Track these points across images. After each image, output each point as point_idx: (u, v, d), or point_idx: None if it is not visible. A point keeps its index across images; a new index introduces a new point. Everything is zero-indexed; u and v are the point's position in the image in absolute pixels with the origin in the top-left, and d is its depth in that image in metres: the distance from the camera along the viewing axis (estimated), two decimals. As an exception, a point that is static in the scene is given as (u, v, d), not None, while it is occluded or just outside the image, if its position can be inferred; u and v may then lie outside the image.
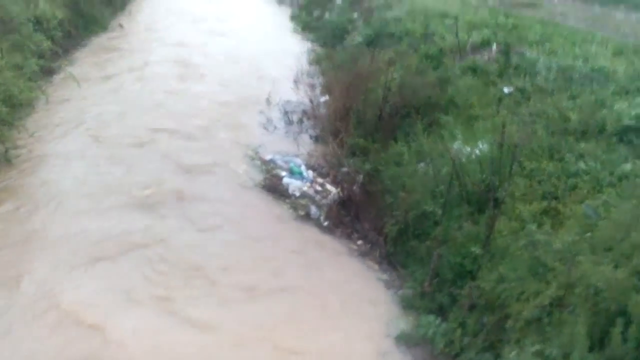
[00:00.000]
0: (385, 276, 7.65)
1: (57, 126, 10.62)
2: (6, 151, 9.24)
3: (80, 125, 10.76)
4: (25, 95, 10.29)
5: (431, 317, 6.52)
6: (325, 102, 12.31)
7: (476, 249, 6.57)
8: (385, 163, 9.01)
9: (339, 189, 9.30)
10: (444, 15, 14.18)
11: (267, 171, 9.91)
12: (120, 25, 18.24)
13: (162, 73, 14.02)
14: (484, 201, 7.20)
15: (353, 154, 10.03)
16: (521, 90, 9.57)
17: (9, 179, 8.73)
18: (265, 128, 11.79)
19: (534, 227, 6.31)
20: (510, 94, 9.59)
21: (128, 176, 9.15)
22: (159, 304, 6.52)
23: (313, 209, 8.94)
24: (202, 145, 10.61)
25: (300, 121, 12.05)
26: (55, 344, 5.87)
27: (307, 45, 17.68)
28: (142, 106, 11.99)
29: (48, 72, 12.75)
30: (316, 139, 11.37)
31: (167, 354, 5.92)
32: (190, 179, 9.32)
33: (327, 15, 19.82)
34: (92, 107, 11.63)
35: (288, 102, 12.88)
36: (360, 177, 9.20)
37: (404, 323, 6.73)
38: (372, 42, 14.12)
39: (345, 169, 9.58)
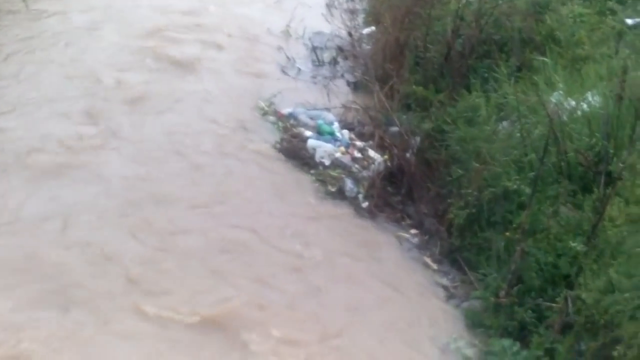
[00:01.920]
0: (445, 280, 7.63)
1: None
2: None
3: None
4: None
5: (507, 342, 6.44)
6: (370, 34, 12.24)
7: (577, 244, 6.46)
8: (453, 121, 8.92)
9: (385, 157, 9.27)
10: None
11: (285, 130, 9.93)
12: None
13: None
14: (591, 176, 7.09)
15: (408, 108, 10.01)
16: (652, 23, 9.43)
17: None
18: (283, 71, 11.78)
19: (662, 214, 6.24)
20: (635, 27, 9.43)
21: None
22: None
23: (349, 184, 8.93)
24: (195, 87, 10.73)
25: (334, 61, 12.02)
26: None
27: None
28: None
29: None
30: (355, 87, 11.34)
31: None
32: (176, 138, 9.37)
33: None
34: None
35: (317, 34, 12.85)
36: (417, 141, 9.17)
37: (467, 348, 6.69)
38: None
39: (395, 129, 9.54)
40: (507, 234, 7.20)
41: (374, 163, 9.28)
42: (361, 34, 12.27)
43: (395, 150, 9.19)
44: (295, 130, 9.95)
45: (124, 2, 13.26)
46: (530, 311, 6.60)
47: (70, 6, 12.77)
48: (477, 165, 7.90)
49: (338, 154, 9.41)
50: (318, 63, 12.02)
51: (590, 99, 7.98)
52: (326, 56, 12.09)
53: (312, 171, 9.18)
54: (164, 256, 7.16)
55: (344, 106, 10.55)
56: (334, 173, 9.10)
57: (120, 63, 11.04)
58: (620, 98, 7.11)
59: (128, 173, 8.42)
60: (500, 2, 10.30)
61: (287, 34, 12.88)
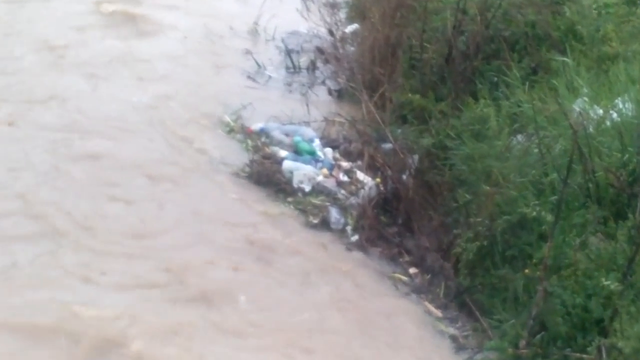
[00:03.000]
0: (453, 329, 7.57)
1: None
2: None
3: None
4: None
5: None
6: (355, 33, 12.23)
7: (611, 282, 6.44)
8: (458, 135, 8.89)
9: (377, 180, 9.27)
10: None
11: (256, 149, 9.91)
12: None
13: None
14: (625, 199, 7.09)
15: (403, 120, 10.03)
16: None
17: None
18: (251, 78, 11.81)
19: None
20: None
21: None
22: None
23: (334, 214, 8.89)
24: (144, 96, 10.75)
25: (313, 66, 12.10)
26: None
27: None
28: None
29: None
30: (339, 96, 11.40)
31: None
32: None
33: None
34: None
35: (292, 34, 12.91)
36: (415, 159, 9.16)
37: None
38: None
39: (389, 146, 9.54)
40: (527, 271, 7.15)
41: (363, 188, 9.23)
42: (344, 32, 12.29)
43: (389, 172, 9.18)
44: (267, 149, 9.93)
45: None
46: (557, 364, 6.58)
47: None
48: (488, 188, 7.87)
49: (320, 178, 9.38)
50: (293, 69, 12.07)
51: (620, 106, 8.00)
52: (303, 60, 12.15)
53: (289, 199, 9.13)
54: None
55: (326, 119, 10.53)
56: (316, 201, 9.07)
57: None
58: (656, 105, 7.15)
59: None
60: (511, -10, 10.39)
61: (255, 33, 12.88)
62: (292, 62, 12.19)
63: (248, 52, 12.44)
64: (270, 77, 11.84)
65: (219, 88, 11.40)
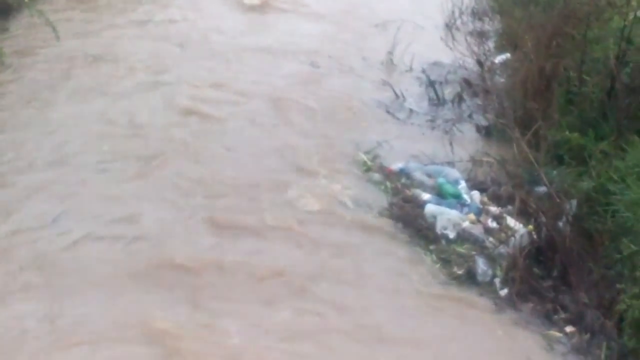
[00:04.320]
0: (618, 399, 7.42)
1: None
2: None
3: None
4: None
5: None
6: (505, 63, 12.16)
7: None
8: (622, 178, 8.76)
9: (530, 227, 9.15)
10: None
11: (395, 191, 9.96)
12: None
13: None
14: None
15: (559, 161, 9.94)
16: None
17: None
18: (389, 112, 11.87)
19: None
20: None
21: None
22: None
23: (481, 265, 8.82)
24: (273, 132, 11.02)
25: (458, 99, 12.08)
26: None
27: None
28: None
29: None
30: (488, 133, 11.36)
31: None
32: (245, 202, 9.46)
33: None
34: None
35: (435, 64, 12.89)
36: (573, 205, 9.04)
37: None
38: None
39: (543, 189, 9.48)
40: None
41: (514, 235, 9.13)
42: (493, 63, 12.24)
43: (544, 218, 9.03)
44: (408, 191, 9.94)
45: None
46: None
47: None
48: (658, 238, 7.76)
49: (466, 224, 9.36)
50: (437, 101, 12.10)
51: None
52: (447, 92, 12.14)
53: (431, 246, 9.11)
54: None
55: (473, 159, 10.57)
56: (461, 249, 9.04)
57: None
58: None
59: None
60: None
61: (390, 64, 12.92)
62: (435, 93, 12.21)
63: (385, 83, 12.50)
64: (411, 110, 11.87)
65: (353, 122, 11.48)
